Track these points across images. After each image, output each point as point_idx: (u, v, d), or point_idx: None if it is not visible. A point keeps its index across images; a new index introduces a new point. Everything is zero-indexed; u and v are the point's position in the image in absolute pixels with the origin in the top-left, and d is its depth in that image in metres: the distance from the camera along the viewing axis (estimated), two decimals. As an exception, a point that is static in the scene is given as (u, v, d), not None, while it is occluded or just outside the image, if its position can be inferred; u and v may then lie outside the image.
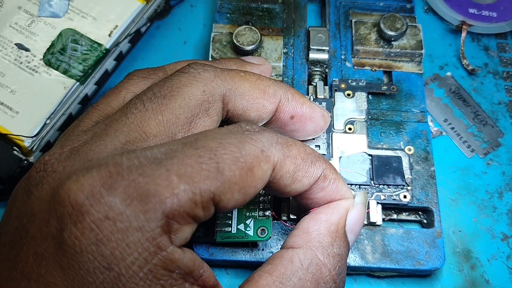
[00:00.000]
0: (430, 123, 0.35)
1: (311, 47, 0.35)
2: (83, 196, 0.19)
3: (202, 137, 0.21)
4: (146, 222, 0.19)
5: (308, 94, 0.34)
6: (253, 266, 0.30)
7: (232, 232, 0.28)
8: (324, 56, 0.35)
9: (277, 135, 0.23)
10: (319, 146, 0.31)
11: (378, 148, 0.32)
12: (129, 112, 0.23)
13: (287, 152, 0.23)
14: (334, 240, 0.24)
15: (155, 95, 0.23)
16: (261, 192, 0.29)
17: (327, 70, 0.35)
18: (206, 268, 0.21)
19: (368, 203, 0.30)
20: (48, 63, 0.33)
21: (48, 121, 0.32)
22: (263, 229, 0.28)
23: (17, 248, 0.20)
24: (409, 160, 0.31)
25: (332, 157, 0.31)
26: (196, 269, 0.20)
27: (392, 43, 0.35)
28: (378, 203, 0.30)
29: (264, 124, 0.27)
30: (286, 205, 0.30)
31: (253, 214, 0.29)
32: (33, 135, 0.31)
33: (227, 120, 0.26)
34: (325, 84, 0.35)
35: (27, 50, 0.33)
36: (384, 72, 0.35)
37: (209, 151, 0.20)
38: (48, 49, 0.33)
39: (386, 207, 0.31)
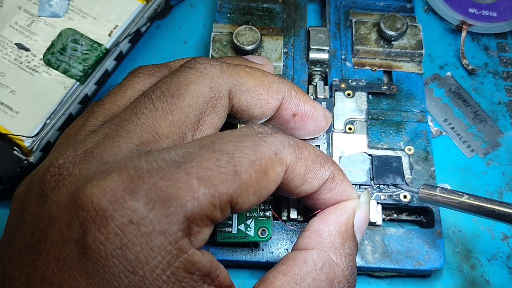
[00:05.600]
0: (430, 123, 0.35)
1: (311, 47, 0.35)
2: (107, 201, 0.19)
3: (218, 139, 0.22)
4: (168, 225, 0.19)
5: (308, 94, 0.34)
6: (253, 266, 0.31)
7: (233, 232, 0.28)
8: (324, 56, 0.35)
9: (288, 138, 0.23)
10: (319, 146, 0.31)
11: (378, 148, 0.32)
12: (139, 112, 0.23)
13: (298, 154, 0.23)
14: (345, 240, 0.24)
15: (164, 93, 0.23)
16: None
17: (327, 70, 0.35)
18: (222, 269, 0.21)
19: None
20: (48, 63, 0.33)
21: (48, 121, 0.32)
22: (263, 230, 0.28)
23: (35, 253, 0.20)
24: (409, 160, 0.31)
25: (332, 157, 0.31)
26: (213, 270, 0.21)
27: (392, 43, 0.35)
28: (378, 203, 0.30)
29: (266, 121, 0.27)
30: (286, 206, 0.30)
31: (253, 214, 0.29)
32: (33, 135, 0.31)
33: (231, 115, 0.26)
34: (325, 84, 0.35)
35: (27, 50, 0.33)
36: (384, 72, 0.35)
37: (226, 154, 0.21)
38: (48, 49, 0.33)
39: (386, 207, 0.31)
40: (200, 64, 0.25)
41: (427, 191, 0.27)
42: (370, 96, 0.34)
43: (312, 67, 0.35)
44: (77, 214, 0.19)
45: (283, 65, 0.35)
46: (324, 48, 0.35)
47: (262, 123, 0.27)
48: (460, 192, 0.26)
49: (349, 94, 0.33)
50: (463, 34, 0.38)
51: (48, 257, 0.20)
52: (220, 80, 0.25)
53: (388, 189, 0.31)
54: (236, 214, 0.29)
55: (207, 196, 0.20)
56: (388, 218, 0.31)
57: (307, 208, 0.27)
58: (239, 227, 0.28)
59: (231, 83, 0.25)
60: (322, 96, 0.33)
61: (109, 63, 0.35)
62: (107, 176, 0.20)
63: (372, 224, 0.30)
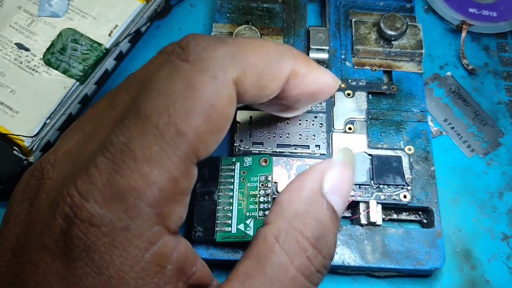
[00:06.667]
0: (430, 123, 0.35)
1: (311, 46, 0.35)
2: (68, 208, 0.19)
3: (146, 94, 0.20)
4: (130, 220, 0.19)
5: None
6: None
7: (232, 232, 0.28)
8: (324, 55, 0.35)
9: (228, 47, 0.21)
10: (319, 146, 0.31)
11: (378, 148, 0.32)
12: (115, 104, 0.22)
13: (245, 62, 0.21)
14: (309, 206, 0.22)
15: (140, 82, 0.22)
16: (260, 192, 0.29)
17: (327, 70, 0.35)
18: (200, 265, 0.21)
19: (368, 203, 0.30)
20: (48, 63, 0.33)
21: (48, 121, 0.32)
22: None
23: (18, 256, 0.20)
24: (409, 160, 0.31)
25: (332, 157, 0.31)
26: (188, 265, 0.20)
27: (392, 42, 0.35)
28: (378, 203, 0.30)
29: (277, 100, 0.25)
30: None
31: (253, 214, 0.29)
32: (33, 135, 0.31)
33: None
34: (325, 84, 0.35)
35: (27, 49, 0.33)
36: (384, 71, 0.35)
37: (161, 115, 0.19)
38: (48, 49, 0.33)
39: (386, 207, 0.31)
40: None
41: None
42: (370, 96, 0.34)
43: (312, 67, 0.35)
44: (49, 222, 0.19)
45: (283, 65, 0.35)
46: (324, 48, 0.35)
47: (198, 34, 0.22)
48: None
49: (349, 94, 0.33)
50: (463, 34, 0.38)
51: (26, 261, 0.20)
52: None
53: (388, 189, 0.31)
54: (236, 214, 0.29)
55: (162, 175, 0.19)
56: (388, 218, 0.31)
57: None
58: (238, 226, 0.28)
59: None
60: (322, 96, 0.33)
61: (109, 63, 0.35)
62: (69, 182, 0.19)
63: (372, 224, 0.30)
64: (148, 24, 0.37)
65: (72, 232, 0.19)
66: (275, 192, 0.30)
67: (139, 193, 0.19)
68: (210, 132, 0.20)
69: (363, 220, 0.30)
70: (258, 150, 0.31)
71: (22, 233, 0.21)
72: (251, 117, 0.32)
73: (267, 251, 0.21)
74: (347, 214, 0.32)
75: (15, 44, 0.33)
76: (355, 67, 0.35)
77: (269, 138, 0.32)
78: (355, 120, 0.32)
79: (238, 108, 0.31)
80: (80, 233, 0.19)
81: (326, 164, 0.23)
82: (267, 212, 0.28)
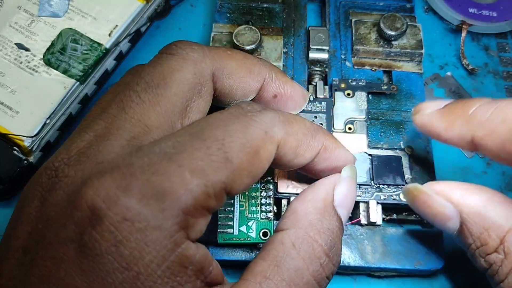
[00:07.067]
0: (430, 123, 0.35)
1: (311, 46, 0.35)
2: (100, 200, 0.19)
3: (207, 125, 0.22)
4: (164, 220, 0.19)
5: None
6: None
7: (234, 233, 0.28)
8: (324, 55, 0.35)
9: (278, 113, 0.24)
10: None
11: (378, 148, 0.32)
12: (126, 106, 0.23)
13: (289, 129, 0.23)
14: (323, 216, 0.24)
15: (149, 85, 0.23)
16: (262, 194, 0.29)
17: (327, 70, 0.35)
18: (215, 266, 0.21)
19: (368, 203, 0.30)
20: (48, 63, 0.33)
21: (48, 121, 0.32)
22: (265, 232, 0.28)
23: (32, 253, 0.20)
24: (409, 160, 0.31)
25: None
26: (206, 265, 0.21)
27: (392, 42, 0.35)
28: (378, 203, 0.30)
29: None
30: (287, 206, 0.30)
31: (255, 216, 0.29)
32: (33, 135, 0.31)
33: (214, 98, 0.26)
34: (325, 83, 0.35)
35: (27, 50, 0.33)
36: (384, 71, 0.35)
37: (216, 141, 0.21)
38: (48, 49, 0.33)
39: (386, 207, 0.31)
40: (182, 50, 0.25)
41: None
42: (370, 96, 0.34)
43: (312, 67, 0.35)
44: (73, 215, 0.19)
45: (283, 65, 0.35)
46: (324, 48, 0.35)
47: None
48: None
49: (349, 94, 0.33)
50: (463, 34, 0.38)
51: (44, 257, 0.20)
52: (203, 64, 0.25)
53: (388, 189, 0.31)
54: (238, 215, 0.29)
55: (200, 187, 0.20)
56: (388, 218, 0.31)
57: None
58: (240, 228, 0.28)
59: (213, 67, 0.25)
60: (322, 96, 0.33)
61: (109, 63, 0.35)
62: (101, 176, 0.20)
63: (372, 224, 0.30)
64: (148, 24, 0.37)
65: (102, 225, 0.19)
66: (276, 193, 0.30)
67: (176, 196, 0.19)
68: (248, 173, 0.21)
69: (363, 220, 0.30)
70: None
71: (35, 230, 0.20)
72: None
73: (285, 255, 0.22)
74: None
75: (15, 44, 0.33)
76: (355, 67, 0.35)
77: (269, 138, 0.32)
78: (355, 120, 0.33)
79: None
80: (111, 226, 0.19)
81: (336, 178, 0.25)
82: (269, 214, 0.29)
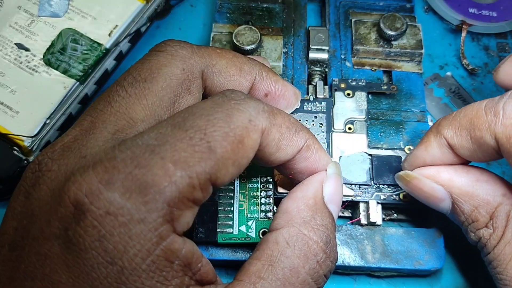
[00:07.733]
0: (430, 123, 0.35)
1: (311, 46, 0.35)
2: (83, 195, 0.19)
3: (189, 115, 0.21)
4: (147, 213, 0.19)
5: (308, 94, 0.34)
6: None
7: (234, 233, 0.28)
8: (324, 55, 0.35)
9: (262, 103, 0.23)
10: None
11: (378, 148, 0.32)
12: (112, 100, 0.23)
13: (273, 120, 0.23)
14: (315, 213, 0.24)
15: (136, 79, 0.23)
16: (262, 194, 0.29)
17: (327, 70, 0.35)
18: (205, 262, 0.21)
19: (368, 203, 0.30)
20: (48, 63, 0.33)
21: (48, 121, 0.32)
22: (265, 231, 0.28)
23: (18, 249, 0.20)
24: (409, 160, 0.31)
25: (332, 157, 0.31)
26: (194, 261, 0.20)
27: (392, 42, 0.35)
28: (378, 203, 0.30)
29: None
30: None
31: (254, 215, 0.29)
32: (33, 135, 0.31)
33: (205, 96, 0.26)
34: (325, 83, 0.35)
35: (27, 50, 0.33)
36: (384, 71, 0.35)
37: (199, 131, 0.21)
38: (48, 49, 0.33)
39: (386, 207, 0.31)
40: (171, 47, 0.25)
41: None
42: (370, 96, 0.34)
43: (312, 67, 0.35)
44: (57, 211, 0.19)
45: (283, 65, 0.35)
46: (323, 48, 0.35)
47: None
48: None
49: (348, 94, 0.33)
50: (463, 34, 0.38)
51: (30, 253, 0.20)
52: (192, 61, 0.25)
53: (388, 189, 0.31)
54: (238, 215, 0.29)
55: (184, 178, 0.20)
56: (388, 218, 0.31)
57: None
58: (240, 228, 0.28)
59: (203, 64, 0.25)
60: (322, 96, 0.33)
61: (109, 63, 0.35)
62: (83, 171, 0.20)
63: (372, 224, 0.30)
64: (148, 24, 0.37)
65: (85, 220, 0.19)
66: (276, 193, 0.30)
67: (159, 189, 0.19)
68: (232, 162, 0.21)
69: (363, 220, 0.30)
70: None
71: (20, 226, 0.20)
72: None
73: (279, 254, 0.22)
74: (347, 214, 0.32)
75: (15, 44, 0.33)
76: (355, 67, 0.35)
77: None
78: (355, 120, 0.33)
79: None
80: (95, 221, 0.19)
81: (323, 176, 0.25)
82: (269, 214, 0.28)
